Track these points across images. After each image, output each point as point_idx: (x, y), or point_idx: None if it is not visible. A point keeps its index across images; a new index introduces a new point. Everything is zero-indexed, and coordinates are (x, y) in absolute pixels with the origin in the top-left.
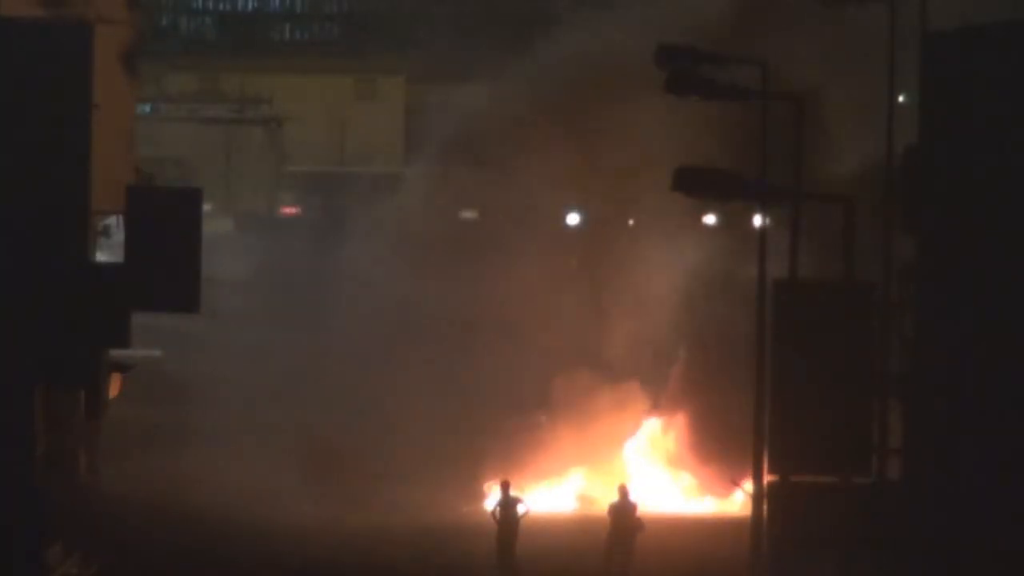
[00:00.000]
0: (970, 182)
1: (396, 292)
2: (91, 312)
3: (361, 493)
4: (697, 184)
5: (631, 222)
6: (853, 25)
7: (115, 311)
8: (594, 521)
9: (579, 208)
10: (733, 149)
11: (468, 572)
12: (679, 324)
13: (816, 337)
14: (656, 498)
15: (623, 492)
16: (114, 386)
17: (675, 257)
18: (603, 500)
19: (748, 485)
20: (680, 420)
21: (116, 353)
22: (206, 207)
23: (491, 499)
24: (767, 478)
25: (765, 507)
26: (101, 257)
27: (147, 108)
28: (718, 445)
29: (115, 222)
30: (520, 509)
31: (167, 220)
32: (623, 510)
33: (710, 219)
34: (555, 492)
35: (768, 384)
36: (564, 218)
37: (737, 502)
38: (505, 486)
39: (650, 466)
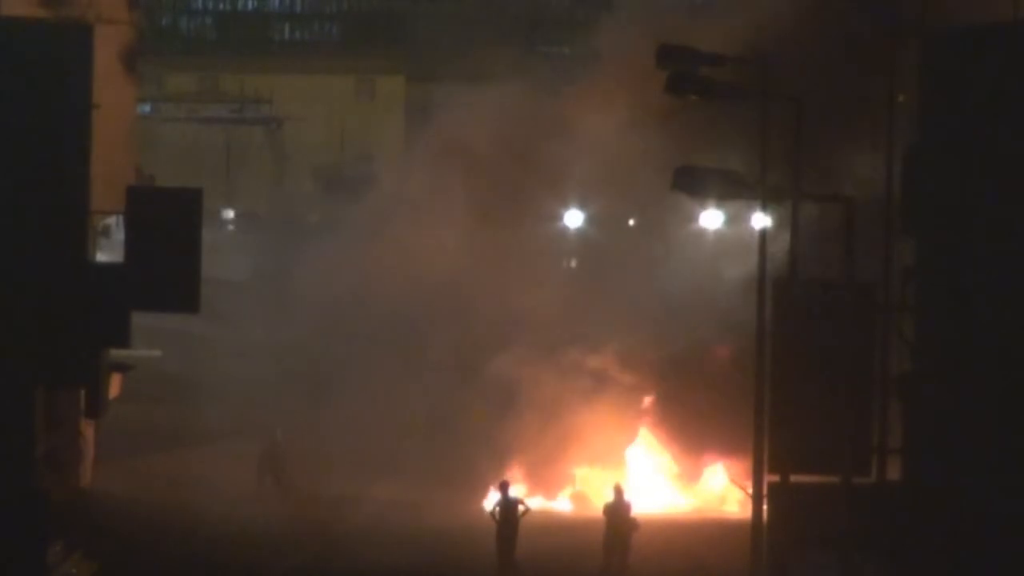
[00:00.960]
0: (970, 182)
1: (396, 292)
2: (91, 312)
3: (361, 493)
4: (697, 184)
5: (631, 222)
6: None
7: (115, 311)
8: (590, 521)
9: (580, 207)
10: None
11: (468, 572)
12: (679, 323)
13: (816, 337)
14: (651, 497)
15: (618, 492)
16: (114, 386)
17: (674, 256)
18: (598, 500)
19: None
20: (665, 412)
21: (116, 353)
22: (206, 207)
23: (491, 499)
24: (767, 478)
25: (765, 507)
26: (101, 257)
27: (147, 108)
28: (695, 435)
29: (115, 222)
30: (520, 509)
31: (167, 220)
32: (618, 510)
33: (715, 221)
34: (552, 492)
35: (767, 384)
36: (563, 218)
37: (716, 492)
38: (505, 486)
39: (645, 459)
